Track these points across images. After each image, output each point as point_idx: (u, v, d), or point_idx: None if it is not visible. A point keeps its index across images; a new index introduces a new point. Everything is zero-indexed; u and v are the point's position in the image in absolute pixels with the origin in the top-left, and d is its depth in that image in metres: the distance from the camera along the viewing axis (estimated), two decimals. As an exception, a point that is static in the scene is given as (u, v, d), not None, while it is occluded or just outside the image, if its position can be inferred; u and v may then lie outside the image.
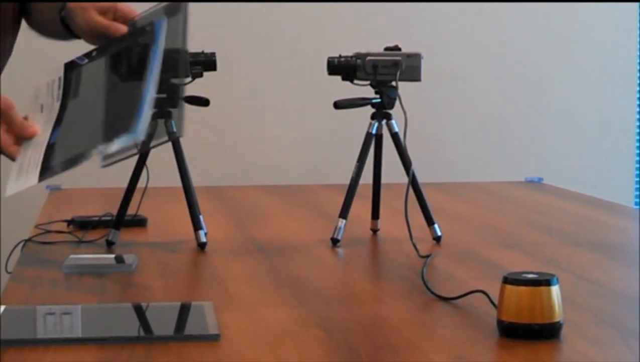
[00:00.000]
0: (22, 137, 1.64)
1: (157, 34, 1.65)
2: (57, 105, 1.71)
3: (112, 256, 1.86)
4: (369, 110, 2.06)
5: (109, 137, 1.60)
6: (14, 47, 1.95)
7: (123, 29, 1.72)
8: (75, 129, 1.67)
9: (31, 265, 1.84)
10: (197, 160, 2.70)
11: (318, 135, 3.73)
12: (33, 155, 1.65)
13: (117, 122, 1.62)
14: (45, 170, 1.60)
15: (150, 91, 1.60)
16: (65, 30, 1.83)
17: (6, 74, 1.96)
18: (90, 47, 1.77)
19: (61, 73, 1.74)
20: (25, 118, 1.66)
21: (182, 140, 1.97)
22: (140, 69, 1.64)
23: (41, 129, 1.68)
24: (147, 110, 1.58)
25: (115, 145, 1.58)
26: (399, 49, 2.03)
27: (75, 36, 1.82)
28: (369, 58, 2.01)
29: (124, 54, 1.71)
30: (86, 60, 1.74)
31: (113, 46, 1.73)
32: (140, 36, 1.70)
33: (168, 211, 2.42)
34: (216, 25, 3.64)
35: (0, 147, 1.63)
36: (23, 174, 1.62)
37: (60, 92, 1.72)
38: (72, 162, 1.62)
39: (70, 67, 1.74)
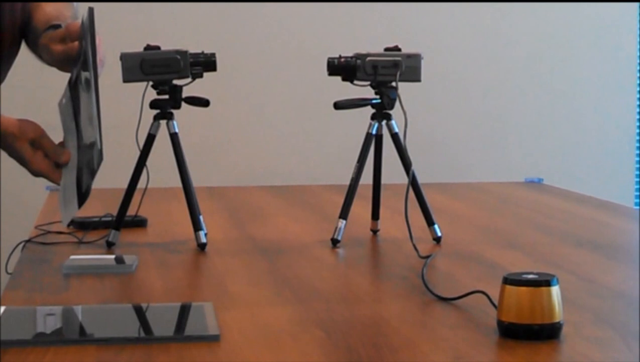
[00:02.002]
0: (58, 163, 1.67)
1: (88, 21, 1.64)
2: (73, 125, 1.72)
3: (112, 256, 1.86)
4: (369, 110, 2.06)
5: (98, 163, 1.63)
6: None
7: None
8: (88, 152, 1.69)
9: (31, 266, 1.84)
10: (197, 160, 2.70)
11: (318, 135, 3.73)
12: (70, 182, 1.68)
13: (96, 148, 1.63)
14: (81, 196, 1.65)
15: (95, 96, 1.60)
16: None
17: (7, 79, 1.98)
18: None
19: (68, 92, 1.75)
20: (60, 144, 1.69)
21: (182, 141, 1.97)
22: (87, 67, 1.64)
23: (72, 152, 1.70)
24: (98, 121, 1.60)
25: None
26: (399, 50, 2.03)
27: None
28: (369, 58, 2.01)
29: (81, 65, 1.71)
30: (75, 77, 1.75)
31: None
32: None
33: (168, 211, 2.42)
34: (216, 25, 3.64)
35: (43, 173, 1.67)
36: (68, 203, 1.68)
37: (72, 110, 1.74)
38: (89, 187, 1.67)
39: (72, 85, 1.76)
